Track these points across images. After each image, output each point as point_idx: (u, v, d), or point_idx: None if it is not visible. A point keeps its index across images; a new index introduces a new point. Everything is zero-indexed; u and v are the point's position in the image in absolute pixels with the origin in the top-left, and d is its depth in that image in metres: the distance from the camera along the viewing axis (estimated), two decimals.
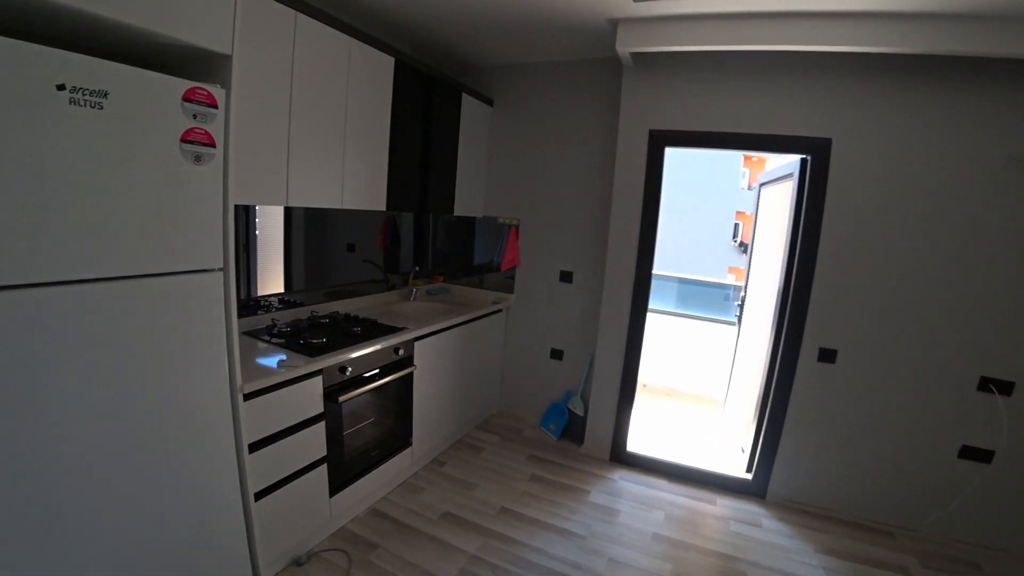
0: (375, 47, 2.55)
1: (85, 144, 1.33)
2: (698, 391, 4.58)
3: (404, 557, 2.24)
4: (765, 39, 2.43)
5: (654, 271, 3.08)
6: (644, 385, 4.54)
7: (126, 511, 1.53)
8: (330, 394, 2.23)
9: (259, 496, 1.95)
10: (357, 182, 2.58)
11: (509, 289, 3.69)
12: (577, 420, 3.38)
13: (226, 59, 1.66)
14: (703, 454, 3.33)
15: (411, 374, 2.71)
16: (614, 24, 2.67)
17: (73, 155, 1.31)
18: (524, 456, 3.20)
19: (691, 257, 12.47)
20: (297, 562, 2.17)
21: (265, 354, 2.16)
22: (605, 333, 3.18)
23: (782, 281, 2.87)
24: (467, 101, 3.35)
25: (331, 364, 2.21)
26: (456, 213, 3.44)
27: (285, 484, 2.06)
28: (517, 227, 3.60)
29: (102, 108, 1.36)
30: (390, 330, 2.64)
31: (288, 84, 2.15)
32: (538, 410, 3.68)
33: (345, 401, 2.29)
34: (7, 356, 1.24)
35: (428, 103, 3.04)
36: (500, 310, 3.59)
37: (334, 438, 2.29)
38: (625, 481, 3.03)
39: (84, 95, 1.32)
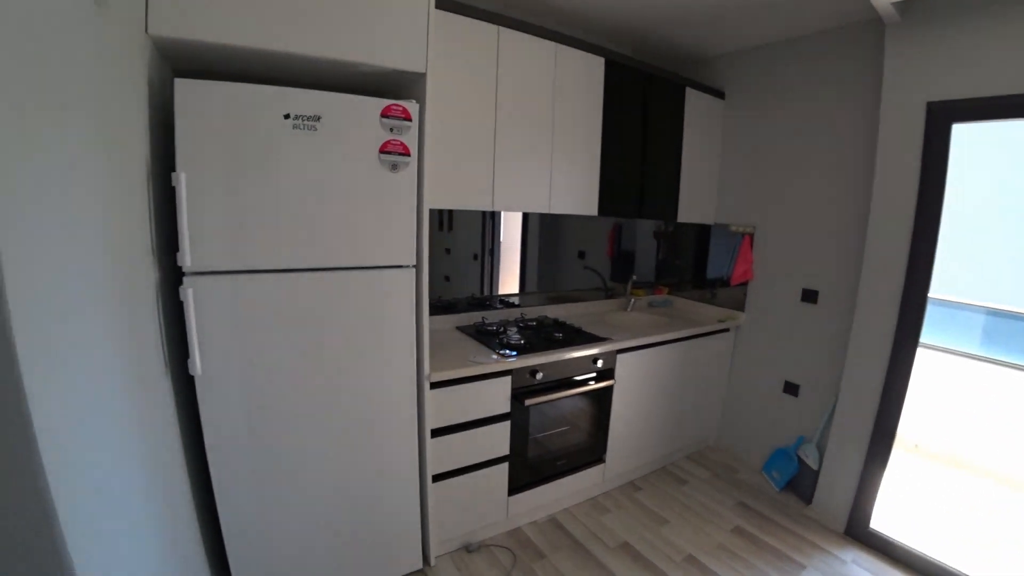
0: (582, 49, 2.46)
1: (304, 160, 1.58)
2: (998, 467, 3.07)
3: None
4: None
5: (945, 296, 2.17)
6: (916, 446, 3.30)
7: (325, 464, 1.79)
8: (517, 396, 2.23)
9: (437, 478, 2.08)
10: (565, 186, 2.52)
11: (740, 306, 3.12)
12: (808, 473, 2.64)
13: (420, 76, 1.79)
14: (991, 559, 2.23)
15: (610, 388, 2.54)
16: None
17: (296, 169, 1.58)
18: (732, 502, 2.66)
19: (1018, 282, 8.15)
20: (467, 548, 2.25)
21: (462, 348, 2.29)
22: (854, 370, 2.39)
23: None
24: (692, 96, 2.97)
25: (521, 366, 2.20)
26: (680, 219, 3.07)
27: (464, 473, 2.15)
28: (752, 235, 3.01)
29: (316, 130, 1.60)
30: (592, 339, 2.50)
31: (493, 92, 2.22)
32: (762, 452, 3.01)
33: (532, 405, 2.27)
34: (253, 325, 1.58)
35: (645, 101, 2.79)
36: (726, 329, 3.07)
37: (518, 439, 2.29)
38: (859, 567, 2.23)
39: (303, 120, 1.57)
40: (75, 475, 0.89)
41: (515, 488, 2.33)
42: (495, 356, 2.19)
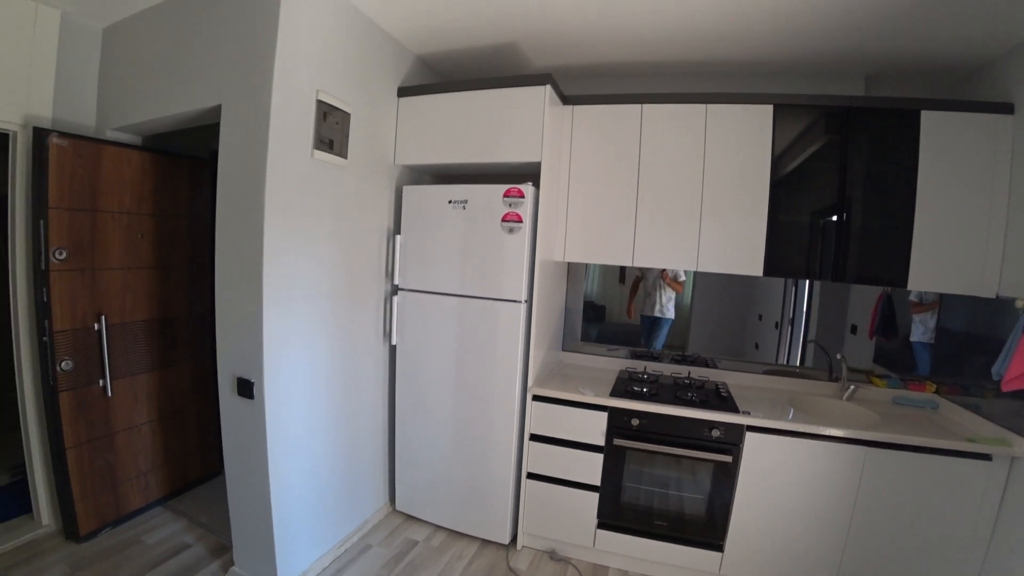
0: (740, 103, 2.34)
1: (456, 229, 2.48)
2: None
3: None
4: None
5: None
6: None
7: (452, 414, 2.56)
8: (611, 435, 2.33)
9: (533, 476, 2.45)
10: (717, 245, 2.40)
11: (1020, 427, 1.86)
12: None
13: (536, 164, 2.37)
14: None
15: (728, 465, 2.18)
16: None
17: (451, 234, 2.49)
18: None
19: None
20: (552, 556, 2.45)
21: (591, 383, 2.57)
22: None
23: None
24: (933, 121, 2.14)
25: (616, 406, 2.32)
26: (912, 286, 2.17)
27: (557, 484, 2.41)
28: None
29: (464, 208, 2.47)
30: (722, 407, 2.26)
31: (636, 160, 2.49)
32: None
33: (622, 447, 2.31)
34: (423, 322, 2.60)
35: (845, 140, 2.27)
36: (986, 456, 1.91)
37: (610, 477, 2.35)
38: None
39: (456, 204, 2.48)
40: (288, 385, 2.06)
41: (606, 524, 2.36)
42: (595, 391, 2.40)
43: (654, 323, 2.96)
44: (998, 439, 1.95)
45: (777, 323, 2.81)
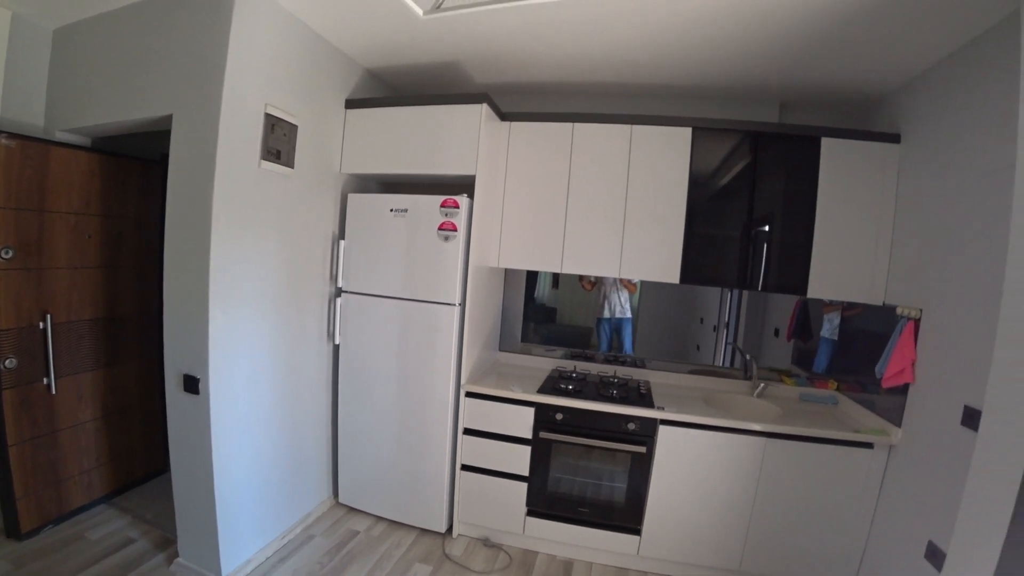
0: (662, 124, 2.52)
1: (397, 235, 2.59)
2: None
3: None
4: None
5: None
6: None
7: (392, 409, 2.66)
8: (538, 428, 2.47)
9: (467, 468, 2.56)
10: (638, 253, 2.57)
11: (896, 419, 2.10)
12: None
13: (471, 177, 2.49)
14: None
15: (643, 456, 2.35)
16: None
17: (392, 241, 2.60)
18: None
19: None
20: (485, 542, 2.57)
21: (523, 381, 2.72)
22: None
23: None
24: (831, 147, 2.34)
25: (542, 402, 2.46)
26: (812, 295, 2.38)
27: (487, 474, 2.54)
28: (916, 321, 2.04)
29: (404, 217, 2.58)
30: (640, 403, 2.42)
31: (567, 174, 2.64)
32: None
33: (547, 440, 2.45)
34: (364, 323, 2.69)
35: (755, 162, 2.47)
36: (868, 445, 2.13)
37: (538, 468, 2.49)
38: None
39: (397, 212, 2.59)
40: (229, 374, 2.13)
41: (535, 512, 2.50)
42: (524, 389, 2.54)
43: (617, 324, 3.09)
44: (879, 429, 2.16)
45: (715, 327, 3.02)
